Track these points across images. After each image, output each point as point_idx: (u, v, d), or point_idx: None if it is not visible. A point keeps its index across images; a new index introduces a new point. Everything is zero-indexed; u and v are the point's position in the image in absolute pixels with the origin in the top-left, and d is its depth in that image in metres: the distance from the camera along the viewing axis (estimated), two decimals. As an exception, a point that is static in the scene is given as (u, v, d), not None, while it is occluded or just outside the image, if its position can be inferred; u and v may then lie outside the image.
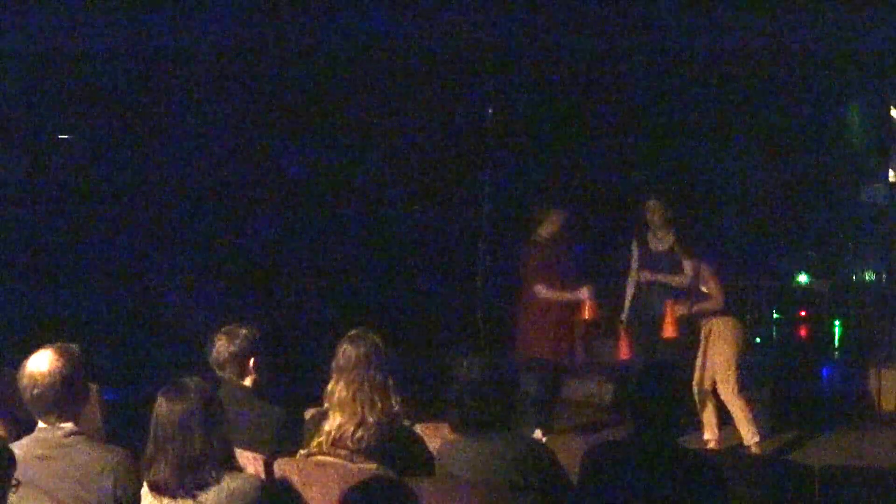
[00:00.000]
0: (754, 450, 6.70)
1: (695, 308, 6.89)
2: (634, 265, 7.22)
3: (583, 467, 3.69)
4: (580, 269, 7.21)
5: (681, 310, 6.88)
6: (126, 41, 8.92)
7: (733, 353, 6.79)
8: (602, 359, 8.17)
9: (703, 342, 6.90)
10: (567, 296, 7.13)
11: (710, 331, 6.88)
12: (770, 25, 9.63)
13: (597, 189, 10.19)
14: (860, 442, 7.28)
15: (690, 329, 6.97)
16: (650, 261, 7.12)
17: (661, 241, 7.10)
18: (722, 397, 6.83)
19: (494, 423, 3.65)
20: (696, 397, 6.87)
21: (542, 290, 7.14)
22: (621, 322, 7.27)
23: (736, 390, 6.76)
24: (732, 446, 6.80)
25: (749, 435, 6.74)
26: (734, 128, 10.32)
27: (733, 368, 6.77)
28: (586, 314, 7.10)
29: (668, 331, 6.89)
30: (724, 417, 6.93)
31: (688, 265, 6.99)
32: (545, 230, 7.24)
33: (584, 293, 7.08)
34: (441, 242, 9.95)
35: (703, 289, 6.91)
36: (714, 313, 6.87)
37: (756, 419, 6.84)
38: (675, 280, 7.03)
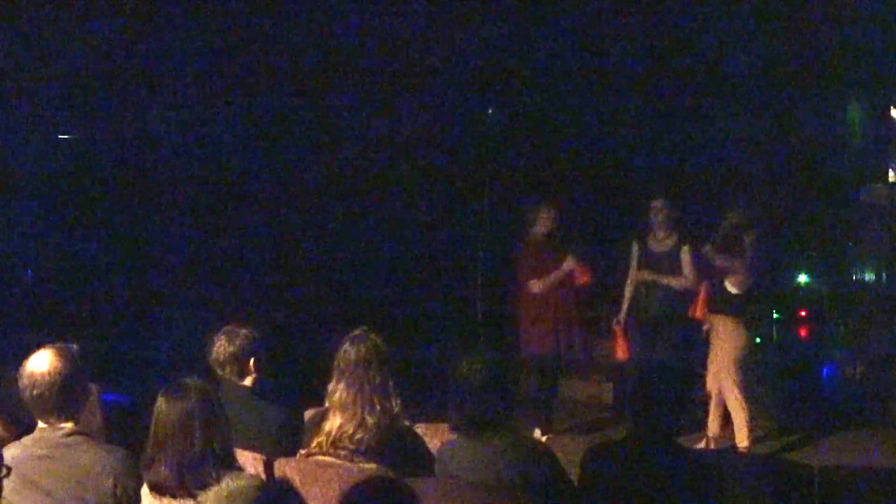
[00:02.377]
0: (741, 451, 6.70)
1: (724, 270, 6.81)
2: (634, 265, 7.22)
3: (583, 467, 3.70)
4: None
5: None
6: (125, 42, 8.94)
7: (734, 353, 6.76)
8: (602, 359, 8.17)
9: (711, 341, 6.90)
10: (556, 275, 7.15)
11: (712, 328, 6.87)
12: (770, 25, 9.63)
13: (597, 189, 10.19)
14: (860, 442, 7.29)
15: (693, 328, 6.96)
16: (650, 261, 7.11)
17: (661, 241, 7.09)
18: (724, 395, 6.82)
19: (494, 423, 3.64)
20: (708, 396, 6.87)
21: (535, 285, 7.16)
22: (618, 323, 7.27)
23: (736, 391, 6.74)
24: (731, 446, 6.80)
25: (741, 436, 6.74)
26: (734, 128, 10.31)
27: (734, 368, 6.75)
28: (581, 279, 7.13)
29: (697, 312, 6.88)
30: (727, 418, 6.92)
31: (688, 267, 6.98)
32: (538, 228, 7.26)
33: (568, 263, 7.13)
34: (441, 241, 9.95)
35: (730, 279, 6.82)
36: (718, 310, 6.83)
37: (754, 422, 6.83)
38: (675, 281, 7.02)
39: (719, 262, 6.81)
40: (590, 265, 7.21)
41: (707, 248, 6.91)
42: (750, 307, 6.89)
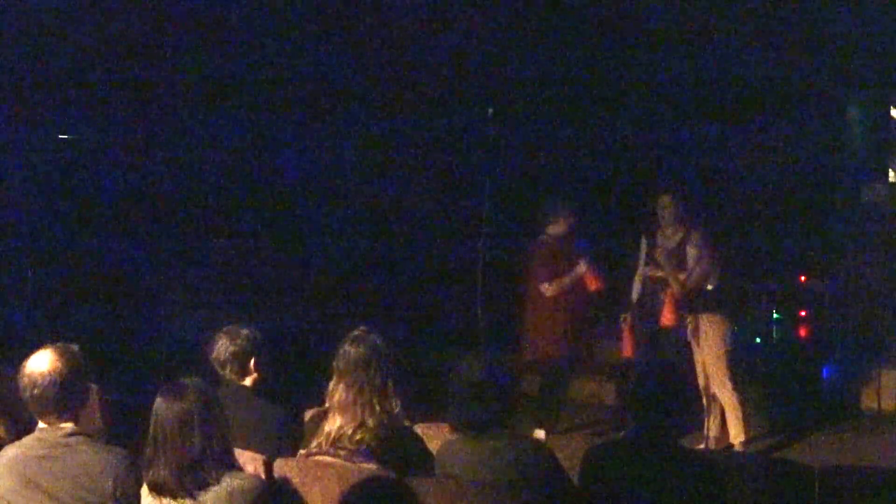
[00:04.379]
0: (737, 448, 6.70)
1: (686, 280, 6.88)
2: (642, 261, 7.20)
3: (583, 467, 3.70)
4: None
5: (678, 292, 6.87)
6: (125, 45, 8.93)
7: (721, 350, 6.78)
8: (602, 359, 8.16)
9: (691, 340, 6.90)
10: (568, 279, 7.14)
11: (696, 328, 6.86)
12: (770, 25, 9.63)
13: (598, 187, 10.18)
14: (860, 442, 7.28)
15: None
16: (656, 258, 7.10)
17: (669, 237, 7.08)
18: (716, 392, 6.84)
19: (494, 424, 3.65)
20: (703, 396, 6.87)
21: (548, 288, 7.15)
22: (625, 319, 7.24)
23: (729, 386, 6.75)
24: (730, 445, 6.81)
25: (736, 432, 6.75)
26: (734, 128, 10.31)
27: (723, 364, 6.77)
28: (592, 286, 7.12)
29: (667, 319, 6.89)
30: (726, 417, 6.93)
31: (694, 263, 6.97)
32: (553, 230, 7.25)
33: (581, 268, 7.12)
34: (441, 241, 9.95)
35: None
36: (697, 308, 6.84)
37: (748, 419, 6.84)
38: (680, 277, 7.00)
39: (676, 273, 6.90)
40: (602, 272, 7.20)
41: (655, 263, 6.99)
42: (728, 299, 6.92)
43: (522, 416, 6.83)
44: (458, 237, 9.41)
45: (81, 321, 8.42)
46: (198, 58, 9.28)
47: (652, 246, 7.12)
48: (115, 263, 9.29)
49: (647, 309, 7.09)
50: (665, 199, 7.01)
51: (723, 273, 6.88)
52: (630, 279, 7.29)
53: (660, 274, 6.99)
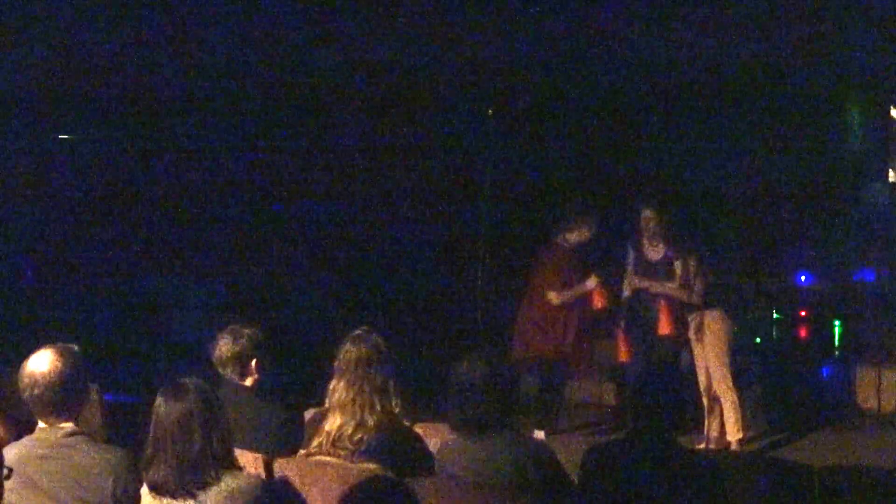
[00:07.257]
0: (734, 447, 6.72)
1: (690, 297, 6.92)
2: (630, 269, 7.22)
3: (583, 467, 3.70)
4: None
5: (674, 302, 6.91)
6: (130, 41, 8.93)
7: (724, 346, 6.81)
8: (602, 359, 8.17)
9: (693, 339, 6.91)
10: (576, 290, 7.14)
11: (700, 326, 6.88)
12: (770, 25, 9.62)
13: (597, 189, 10.17)
14: (860, 442, 7.29)
15: (686, 327, 6.99)
16: (644, 268, 7.11)
17: (655, 249, 7.09)
18: (715, 389, 6.85)
19: (494, 424, 3.65)
20: (704, 396, 6.88)
21: (554, 297, 7.15)
22: (619, 326, 7.26)
23: (730, 383, 6.78)
24: (729, 443, 6.81)
25: (733, 431, 6.76)
26: (734, 128, 10.30)
27: (726, 361, 6.80)
28: (597, 303, 7.13)
29: (664, 328, 6.91)
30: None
31: (679, 271, 6.98)
32: (574, 236, 7.22)
33: (591, 283, 7.12)
34: (441, 242, 9.95)
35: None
36: (699, 307, 6.87)
37: (746, 417, 6.86)
38: (666, 287, 7.02)
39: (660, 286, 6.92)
40: (610, 290, 7.20)
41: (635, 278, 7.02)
42: (729, 298, 6.95)
43: (522, 416, 6.83)
44: (460, 238, 9.42)
45: (82, 321, 8.42)
46: (198, 60, 9.28)
47: (638, 254, 7.14)
48: (116, 264, 9.29)
49: (642, 319, 7.11)
50: (648, 213, 7.03)
51: (715, 272, 6.92)
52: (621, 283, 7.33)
53: (654, 290, 7.01)
